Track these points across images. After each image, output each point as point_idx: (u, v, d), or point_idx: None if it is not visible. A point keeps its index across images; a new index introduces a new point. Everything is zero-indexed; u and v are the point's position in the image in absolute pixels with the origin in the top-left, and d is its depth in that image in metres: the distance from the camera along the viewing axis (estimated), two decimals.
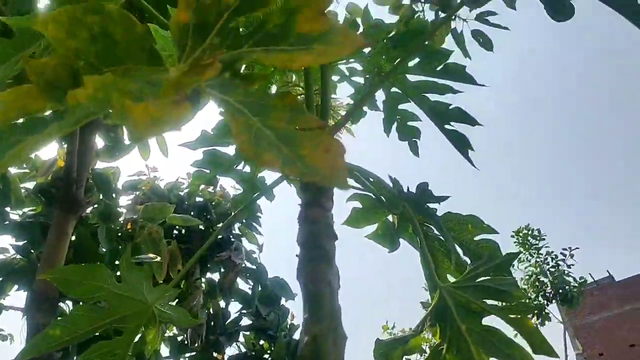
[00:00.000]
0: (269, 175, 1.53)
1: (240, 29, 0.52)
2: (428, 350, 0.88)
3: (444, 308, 0.78)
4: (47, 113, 0.47)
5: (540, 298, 12.60)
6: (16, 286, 2.96)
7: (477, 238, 0.95)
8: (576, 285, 12.66)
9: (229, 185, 4.17)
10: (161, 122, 0.31)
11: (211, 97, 0.44)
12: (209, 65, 0.38)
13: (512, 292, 0.77)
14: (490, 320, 0.82)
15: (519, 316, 0.78)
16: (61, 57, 0.46)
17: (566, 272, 12.77)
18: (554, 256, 13.09)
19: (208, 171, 1.13)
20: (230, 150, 1.10)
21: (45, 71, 0.44)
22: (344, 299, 0.72)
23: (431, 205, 0.98)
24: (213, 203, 4.04)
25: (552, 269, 12.89)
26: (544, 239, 13.46)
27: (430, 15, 4.01)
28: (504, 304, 0.79)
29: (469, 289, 0.78)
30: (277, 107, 0.42)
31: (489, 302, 0.77)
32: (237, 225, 3.93)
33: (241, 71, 0.50)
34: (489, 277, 0.79)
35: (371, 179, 0.89)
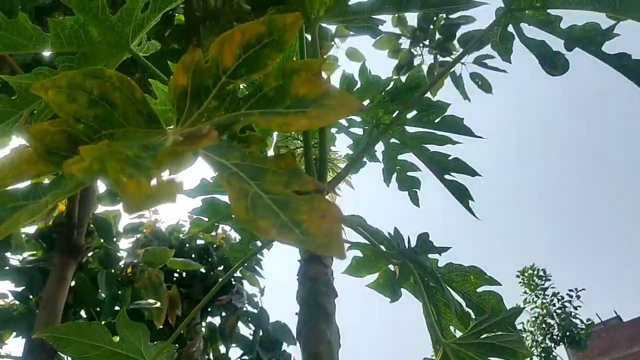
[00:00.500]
0: None
1: (242, 87, 0.52)
2: None
3: None
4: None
5: (547, 341, 12.34)
6: (14, 333, 2.91)
7: (479, 290, 0.94)
8: (583, 327, 12.41)
9: (230, 228, 4.15)
10: (154, 198, 0.31)
11: (206, 160, 0.44)
12: (205, 136, 0.38)
13: (517, 349, 0.75)
14: None
15: None
16: (60, 123, 0.46)
17: (573, 313, 12.55)
18: (560, 297, 12.90)
19: (206, 219, 1.13)
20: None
21: (44, 137, 0.45)
22: (347, 351, 0.70)
23: (432, 256, 0.98)
24: (214, 246, 4.03)
25: (559, 311, 12.67)
26: (549, 280, 13.30)
27: (428, 59, 4.09)
28: None
29: (473, 346, 0.76)
30: (273, 171, 0.42)
31: (494, 359, 0.76)
32: None
33: (238, 133, 0.50)
34: (493, 334, 0.77)
35: (372, 232, 0.89)
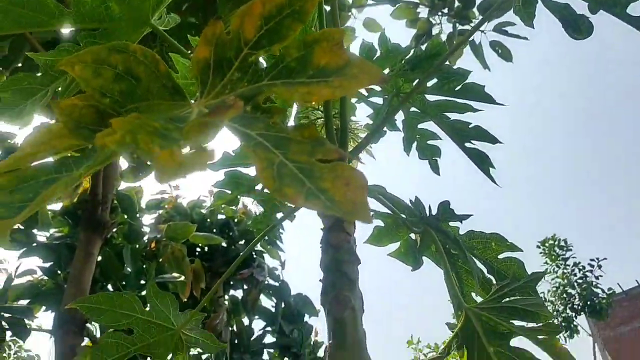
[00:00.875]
0: None
1: (262, 59, 0.52)
2: None
3: (471, 330, 0.77)
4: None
5: (568, 310, 12.29)
6: (43, 307, 3.01)
7: (501, 256, 0.94)
8: (605, 296, 12.31)
9: (251, 202, 4.19)
10: (186, 166, 0.32)
11: (231, 130, 0.44)
12: (231, 107, 0.39)
13: (539, 312, 0.76)
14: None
15: (547, 337, 0.77)
16: (87, 98, 0.47)
17: (594, 283, 12.45)
18: (581, 267, 12.78)
19: (230, 192, 1.14)
20: (251, 171, 1.11)
21: (73, 112, 0.46)
22: (368, 315, 0.72)
23: (453, 224, 0.98)
24: (235, 220, 4.08)
25: (580, 280, 12.58)
26: (570, 250, 13.17)
27: (447, 28, 4.02)
28: (531, 324, 0.78)
29: (495, 310, 0.77)
30: (297, 140, 0.42)
31: (516, 323, 0.77)
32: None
33: (261, 104, 0.51)
34: (515, 297, 0.78)
35: (393, 201, 0.89)
